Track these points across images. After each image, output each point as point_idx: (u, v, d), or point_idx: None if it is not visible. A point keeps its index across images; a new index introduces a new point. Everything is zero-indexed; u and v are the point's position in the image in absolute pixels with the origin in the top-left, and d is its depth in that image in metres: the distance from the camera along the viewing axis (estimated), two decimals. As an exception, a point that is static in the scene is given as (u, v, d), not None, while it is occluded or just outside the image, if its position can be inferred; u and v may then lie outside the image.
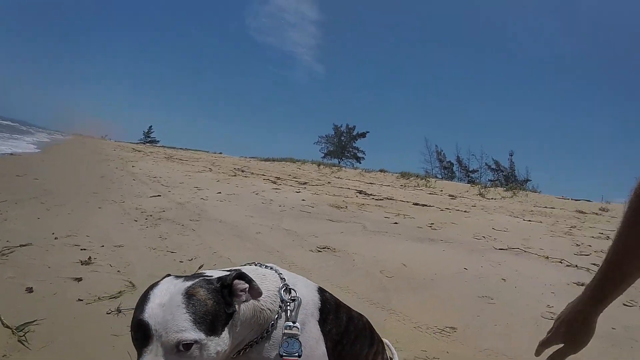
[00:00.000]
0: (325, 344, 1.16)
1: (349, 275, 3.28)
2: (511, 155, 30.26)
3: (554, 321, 1.12)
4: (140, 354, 0.87)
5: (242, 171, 14.56)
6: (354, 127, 43.36)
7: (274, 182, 10.98)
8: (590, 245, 4.94)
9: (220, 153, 35.37)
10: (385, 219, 6.16)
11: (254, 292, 1.02)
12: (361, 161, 41.78)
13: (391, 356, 1.67)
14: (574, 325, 1.02)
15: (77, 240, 3.49)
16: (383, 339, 1.56)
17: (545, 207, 10.31)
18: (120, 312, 2.22)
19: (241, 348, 1.07)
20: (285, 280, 1.16)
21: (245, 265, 1.25)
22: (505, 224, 6.31)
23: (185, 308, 0.89)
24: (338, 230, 4.96)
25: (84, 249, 3.25)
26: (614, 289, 0.93)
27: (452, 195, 11.81)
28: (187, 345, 0.87)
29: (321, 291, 1.27)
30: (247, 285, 1.01)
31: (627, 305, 2.82)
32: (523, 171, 29.15)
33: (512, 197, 12.75)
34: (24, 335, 1.87)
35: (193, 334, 0.87)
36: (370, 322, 1.46)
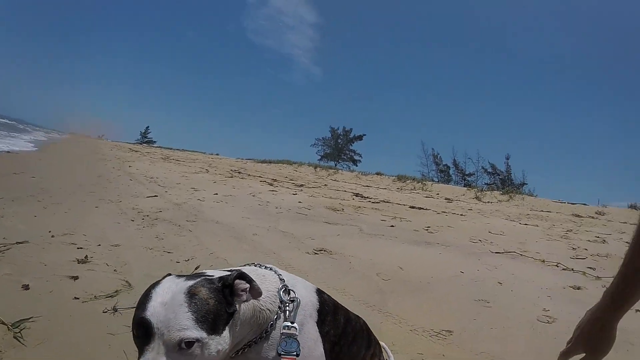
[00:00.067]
0: (323, 345, 1.17)
1: (345, 277, 3.28)
2: (507, 159, 30.26)
3: (573, 331, 1.08)
4: (141, 352, 0.87)
5: (239, 173, 14.54)
6: (351, 129, 43.41)
7: (271, 184, 10.97)
8: (586, 249, 4.97)
9: (217, 154, 35.28)
10: (381, 221, 6.17)
11: (255, 292, 1.03)
12: (358, 164, 41.81)
13: (388, 359, 1.67)
14: (594, 333, 0.99)
15: (73, 238, 3.48)
16: (380, 342, 1.57)
17: (542, 210, 10.36)
18: (116, 311, 2.22)
19: (240, 348, 1.08)
20: (284, 281, 1.17)
21: (244, 265, 1.26)
22: (501, 228, 6.33)
23: (188, 307, 0.89)
24: (335, 233, 4.96)
25: (81, 248, 3.24)
26: (634, 293, 0.91)
27: (449, 199, 11.85)
28: (189, 344, 0.87)
29: (320, 293, 1.28)
30: (248, 285, 1.02)
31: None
32: (519, 175, 29.13)
33: (508, 200, 12.82)
34: (19, 332, 1.87)
35: (195, 332, 0.88)
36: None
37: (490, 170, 30.79)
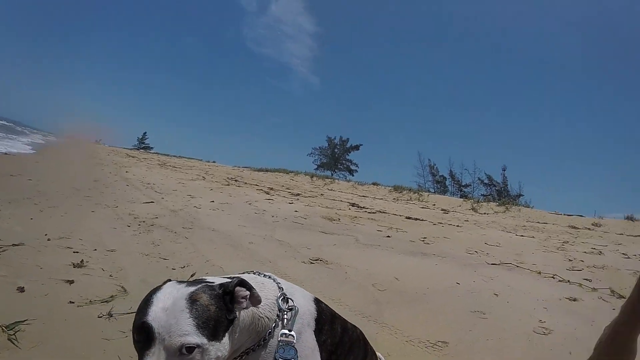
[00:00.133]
0: (320, 354, 1.17)
1: (341, 287, 3.28)
2: (504, 170, 30.42)
3: (594, 348, 1.06)
4: (142, 356, 0.87)
5: (236, 180, 14.53)
6: (348, 139, 43.55)
7: (267, 193, 10.98)
8: (582, 261, 4.98)
9: (214, 162, 35.25)
10: (377, 232, 6.18)
11: (254, 299, 1.04)
12: (354, 174, 41.82)
13: (383, 369, 1.67)
14: (615, 348, 0.99)
15: (69, 242, 3.47)
16: (376, 352, 1.57)
17: (538, 222, 10.38)
18: (111, 316, 2.20)
19: (238, 355, 1.08)
20: (283, 290, 1.18)
21: (244, 273, 1.27)
22: (497, 239, 6.35)
23: (189, 313, 0.90)
24: (331, 243, 4.97)
25: (77, 252, 3.23)
26: None
27: (445, 210, 11.86)
28: (190, 349, 0.88)
29: (317, 302, 1.29)
30: (248, 293, 1.03)
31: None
32: (516, 186, 29.25)
33: (504, 212, 12.82)
34: (14, 334, 1.85)
35: (196, 338, 0.88)
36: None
37: (486, 181, 30.91)
